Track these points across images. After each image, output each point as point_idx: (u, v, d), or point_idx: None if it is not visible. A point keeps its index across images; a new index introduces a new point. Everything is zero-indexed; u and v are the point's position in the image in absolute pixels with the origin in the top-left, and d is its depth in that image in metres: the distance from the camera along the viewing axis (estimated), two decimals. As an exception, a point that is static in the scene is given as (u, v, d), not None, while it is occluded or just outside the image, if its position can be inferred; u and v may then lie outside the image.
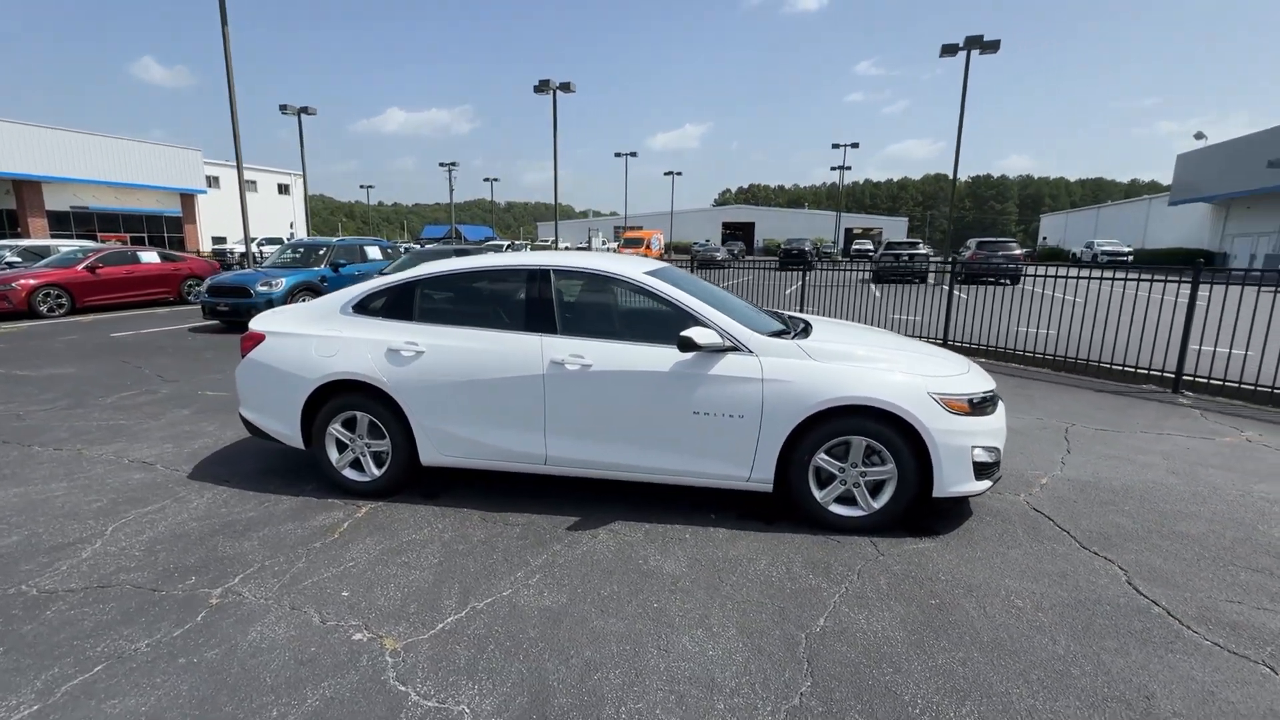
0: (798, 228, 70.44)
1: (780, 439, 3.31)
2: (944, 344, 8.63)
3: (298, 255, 12.48)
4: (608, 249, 41.60)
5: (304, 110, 31.48)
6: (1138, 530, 3.42)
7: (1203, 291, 6.84)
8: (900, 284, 18.71)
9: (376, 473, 3.85)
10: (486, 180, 61.87)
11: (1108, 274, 9.56)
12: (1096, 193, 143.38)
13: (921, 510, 3.56)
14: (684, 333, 3.31)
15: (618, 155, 50.00)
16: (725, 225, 77.73)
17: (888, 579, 2.94)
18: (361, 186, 73.01)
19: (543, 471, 3.69)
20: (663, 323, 3.59)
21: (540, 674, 2.31)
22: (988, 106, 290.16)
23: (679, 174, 58.95)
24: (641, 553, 3.20)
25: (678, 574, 3.00)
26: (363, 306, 3.92)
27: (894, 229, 72.68)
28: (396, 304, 3.87)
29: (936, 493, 3.27)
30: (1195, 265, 6.49)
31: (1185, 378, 6.49)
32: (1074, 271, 9.54)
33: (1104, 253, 37.97)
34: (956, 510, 3.63)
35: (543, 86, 26.69)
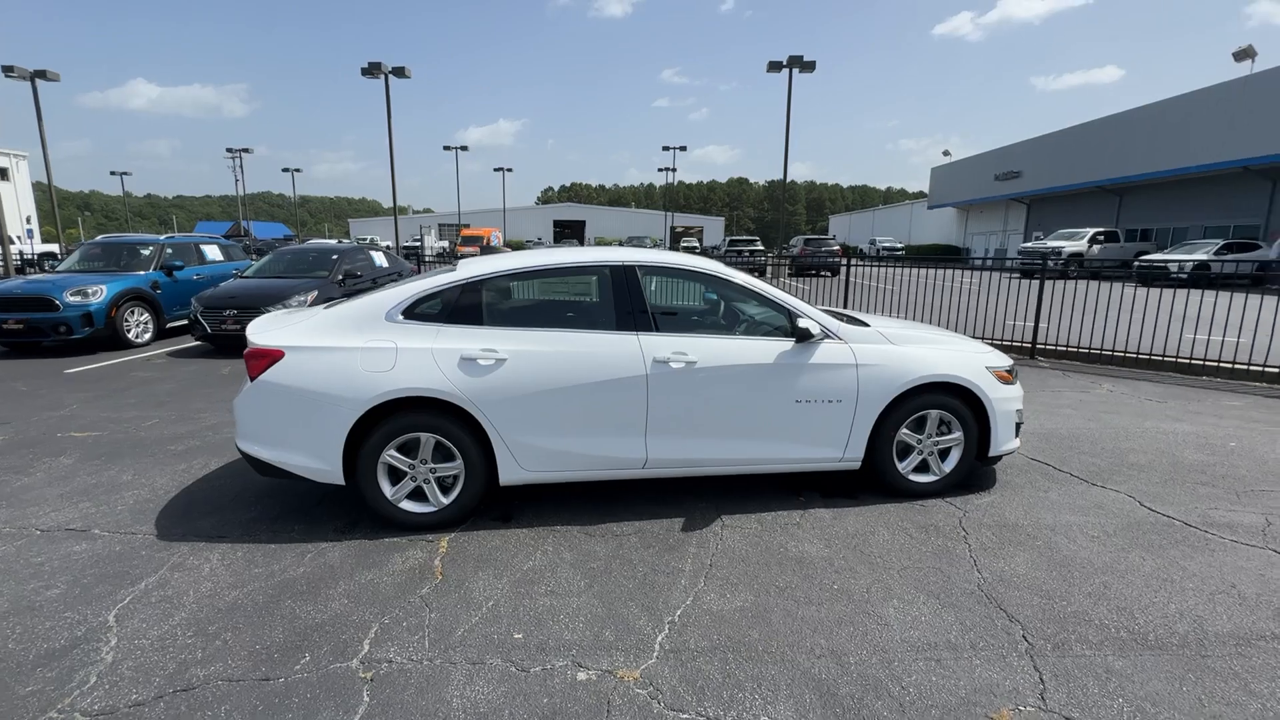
0: (626, 226, 72.87)
1: (872, 419, 3.59)
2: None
3: (103, 256, 9.97)
4: (442, 248, 39.18)
5: (40, 75, 24.89)
6: (1112, 466, 4.30)
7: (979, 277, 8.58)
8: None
9: (444, 501, 3.37)
10: (286, 171, 54.30)
11: (921, 266, 11.56)
12: (864, 197, 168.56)
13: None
14: (801, 324, 3.44)
15: (447, 149, 47.16)
16: (557, 223, 77.73)
17: (988, 530, 3.36)
18: (114, 173, 59.30)
19: (639, 476, 3.55)
20: (751, 316, 3.66)
21: (802, 669, 2.29)
22: (778, 120, 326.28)
23: (509, 170, 57.54)
24: (774, 541, 3.26)
25: (826, 555, 3.12)
26: (414, 311, 3.39)
27: (713, 228, 78.62)
28: (460, 307, 3.41)
29: (991, 453, 3.80)
30: (1044, 260, 8.15)
31: (1037, 346, 8.15)
32: (883, 263, 11.35)
33: (884, 247, 45.02)
34: (983, 469, 4.23)
35: (373, 70, 24.20)
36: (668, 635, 2.50)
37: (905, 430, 3.69)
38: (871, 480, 3.83)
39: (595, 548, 3.21)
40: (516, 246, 51.19)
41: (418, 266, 12.41)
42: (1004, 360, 3.92)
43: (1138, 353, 7.55)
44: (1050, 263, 21.09)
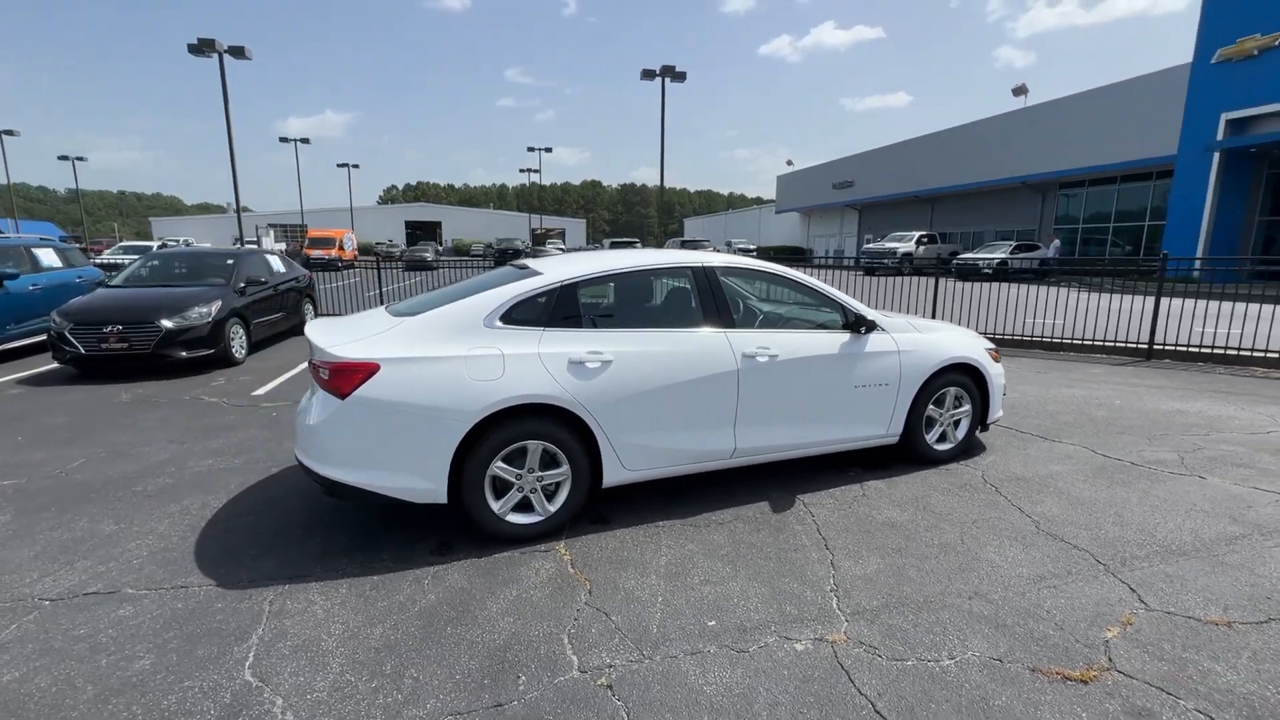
0: (486, 227, 70.64)
1: (911, 398, 4.12)
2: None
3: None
4: (281, 250, 34.88)
5: None
6: (1054, 426, 5.28)
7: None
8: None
9: (550, 509, 3.30)
10: (64, 159, 45.00)
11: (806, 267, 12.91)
12: (709, 202, 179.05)
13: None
14: (856, 317, 3.85)
15: (284, 140, 42.18)
16: (409, 224, 73.01)
17: (1008, 484, 4.03)
18: None
19: (727, 465, 3.74)
20: (811, 310, 4.03)
21: (964, 610, 2.66)
22: (626, 125, 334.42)
23: (356, 166, 52.96)
24: (858, 512, 3.63)
25: (909, 518, 3.55)
26: (513, 316, 3.27)
27: (575, 231, 78.94)
28: (558, 310, 3.35)
29: (988, 420, 4.53)
30: (947, 260, 9.52)
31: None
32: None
33: (739, 249, 48.52)
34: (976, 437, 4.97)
35: (204, 48, 20.92)
36: (839, 602, 2.75)
37: (932, 406, 4.27)
38: (901, 452, 4.36)
39: (712, 537, 3.35)
40: (366, 250, 47.37)
41: (309, 271, 11.19)
42: (990, 344, 4.68)
43: (1003, 334, 9.18)
44: (887, 261, 24.43)
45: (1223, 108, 19.99)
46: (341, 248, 37.63)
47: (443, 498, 3.09)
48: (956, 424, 4.43)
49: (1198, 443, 4.80)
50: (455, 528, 3.40)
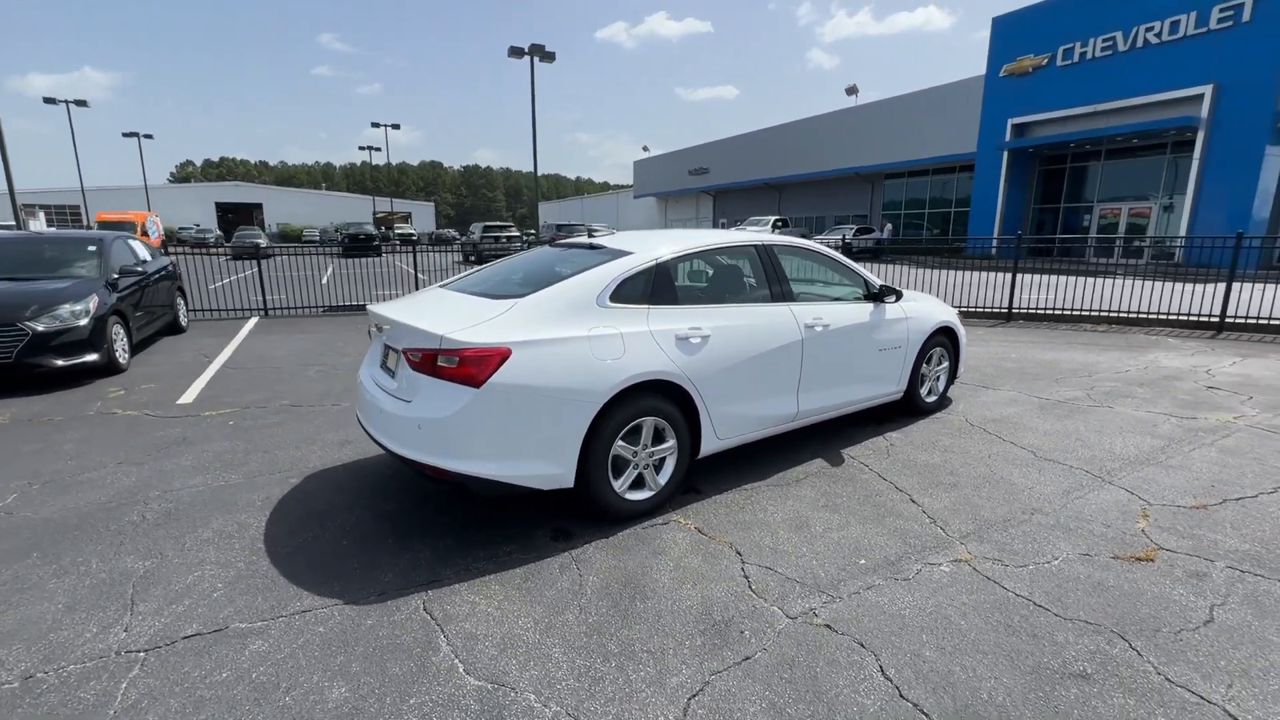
0: (318, 211, 63.82)
1: (914, 358, 4.74)
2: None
3: None
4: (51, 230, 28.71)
5: None
6: (987, 377, 6.31)
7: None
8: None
9: (660, 483, 3.38)
10: None
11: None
12: (557, 186, 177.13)
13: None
14: (878, 289, 4.34)
15: (49, 101, 34.10)
16: (222, 206, 63.43)
17: (990, 424, 4.81)
18: None
19: (789, 428, 4.06)
20: (837, 284, 4.45)
21: (1048, 523, 3.25)
22: (462, 103, 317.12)
23: (149, 136, 44.60)
24: (899, 457, 4.15)
25: (939, 459, 4.14)
26: (621, 295, 3.26)
27: (422, 214, 74.07)
28: (656, 288, 3.39)
29: (957, 375, 5.33)
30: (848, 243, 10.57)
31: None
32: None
33: (598, 232, 49.31)
34: (928, 389, 5.78)
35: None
36: (945, 530, 3.20)
37: (924, 365, 4.94)
38: (902, 406, 4.99)
39: (801, 493, 3.65)
40: (170, 234, 40.47)
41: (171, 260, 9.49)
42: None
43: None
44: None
45: (1009, 114, 24.25)
46: (144, 232, 31.83)
47: (570, 481, 3.04)
48: (938, 379, 5.18)
49: (1090, 382, 6.08)
50: (555, 513, 3.34)
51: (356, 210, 62.34)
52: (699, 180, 46.03)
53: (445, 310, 3.16)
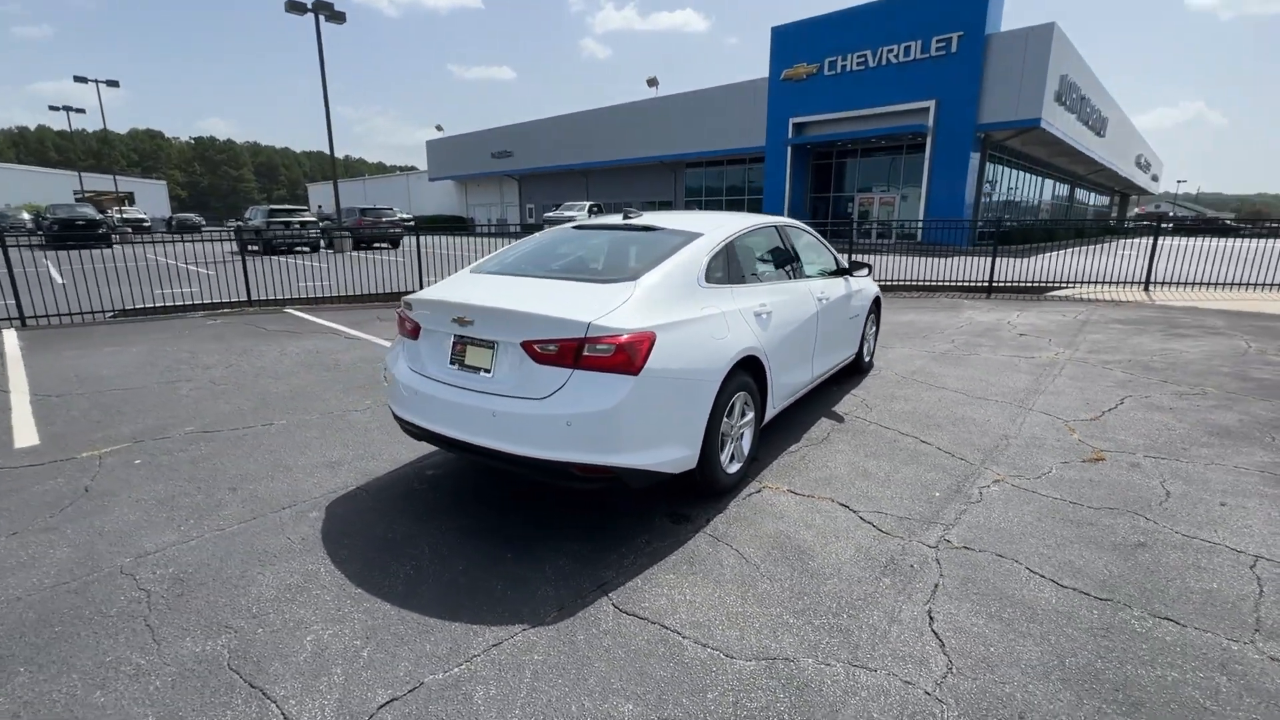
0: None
1: (864, 324, 5.49)
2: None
3: None
4: None
5: None
6: (884, 335, 7.45)
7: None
8: (291, 255, 19.34)
9: (745, 454, 3.53)
10: None
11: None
12: (322, 165, 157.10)
13: (849, 354, 6.44)
14: (845, 265, 4.94)
15: None
16: None
17: (919, 375, 5.78)
18: None
19: (803, 395, 4.45)
20: (816, 260, 4.96)
21: (1023, 445, 4.10)
22: (169, 58, 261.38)
23: None
24: (879, 409, 4.81)
25: (911, 407, 4.89)
26: (709, 275, 3.29)
27: (150, 194, 60.29)
28: (728, 268, 3.48)
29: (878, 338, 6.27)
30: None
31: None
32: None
33: (399, 218, 45.31)
34: (845, 352, 6.69)
35: None
36: (966, 461, 3.87)
37: (868, 328, 5.74)
38: (852, 367, 5.73)
39: (835, 448, 4.08)
40: None
41: None
42: (868, 281, 6.40)
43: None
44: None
45: (790, 114, 27.82)
46: None
47: (695, 462, 3.05)
48: (871, 341, 6.04)
49: (947, 336, 7.56)
50: (648, 500, 3.31)
51: (53, 189, 48.49)
52: (502, 164, 44.67)
53: (554, 296, 2.90)
